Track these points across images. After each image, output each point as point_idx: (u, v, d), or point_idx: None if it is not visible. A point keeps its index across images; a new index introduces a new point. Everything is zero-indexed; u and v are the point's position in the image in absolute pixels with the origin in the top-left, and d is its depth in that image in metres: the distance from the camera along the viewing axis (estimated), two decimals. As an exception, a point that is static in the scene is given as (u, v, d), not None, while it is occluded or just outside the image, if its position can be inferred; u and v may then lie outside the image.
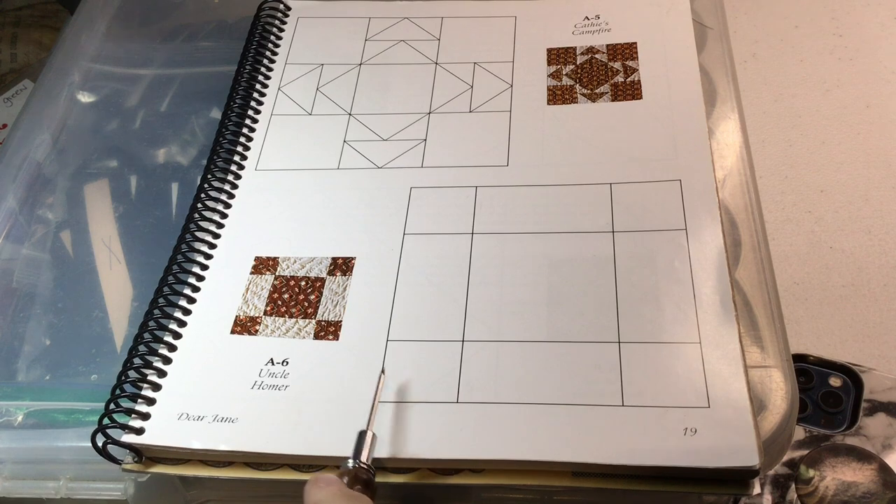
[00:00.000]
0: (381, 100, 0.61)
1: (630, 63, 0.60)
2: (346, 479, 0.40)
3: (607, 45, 0.62)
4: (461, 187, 0.55)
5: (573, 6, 0.65)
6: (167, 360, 0.49)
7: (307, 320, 0.50)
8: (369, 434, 0.43)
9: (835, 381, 0.60)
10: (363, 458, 0.42)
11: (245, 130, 0.60)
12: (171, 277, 0.52)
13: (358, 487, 0.40)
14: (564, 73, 0.61)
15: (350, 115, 0.61)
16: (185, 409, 0.47)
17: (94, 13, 0.74)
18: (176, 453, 0.45)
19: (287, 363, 0.48)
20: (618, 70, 0.60)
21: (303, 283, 0.52)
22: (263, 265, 0.53)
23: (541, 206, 0.53)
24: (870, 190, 0.73)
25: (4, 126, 0.87)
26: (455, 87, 0.61)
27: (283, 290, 0.52)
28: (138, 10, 0.75)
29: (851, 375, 0.60)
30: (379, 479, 0.44)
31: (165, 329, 0.50)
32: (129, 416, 0.46)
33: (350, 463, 0.41)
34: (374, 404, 0.44)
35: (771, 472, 0.55)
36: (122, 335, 0.54)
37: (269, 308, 0.51)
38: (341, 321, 0.50)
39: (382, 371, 0.46)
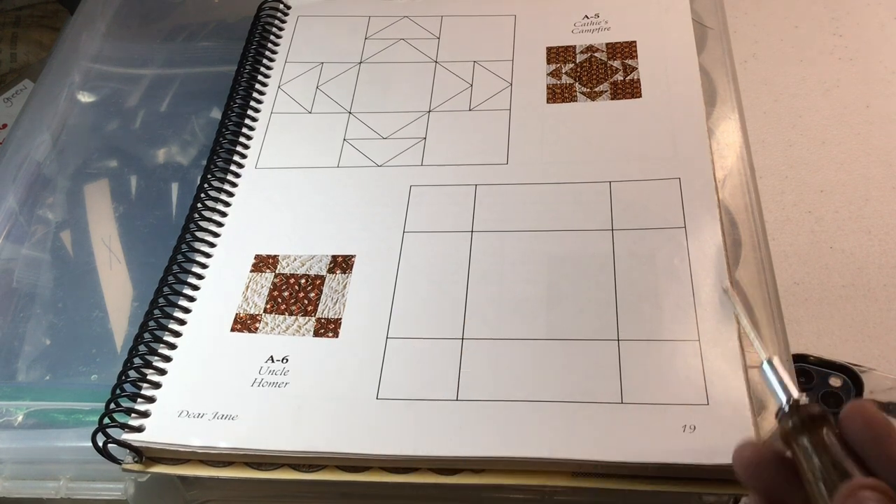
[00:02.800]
0: (381, 98, 0.61)
1: (629, 62, 0.60)
2: (791, 423, 0.32)
3: (607, 44, 0.62)
4: (461, 185, 0.55)
5: (573, 5, 0.65)
6: (167, 359, 0.49)
7: (307, 318, 0.50)
8: (777, 362, 0.36)
9: (835, 381, 0.60)
10: (795, 394, 0.34)
11: (245, 129, 0.60)
12: (171, 276, 0.52)
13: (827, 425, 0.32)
14: (564, 71, 0.61)
15: (350, 113, 0.61)
16: (185, 406, 0.47)
17: (94, 13, 0.74)
18: (176, 451, 0.45)
19: (287, 360, 0.48)
20: (617, 69, 0.60)
21: (303, 280, 0.52)
22: (263, 263, 0.53)
23: (540, 204, 0.53)
24: (870, 190, 0.73)
25: (4, 126, 0.87)
26: (455, 85, 0.61)
27: (283, 287, 0.52)
28: (138, 10, 0.75)
29: (851, 375, 0.60)
30: (377, 478, 0.44)
31: (165, 328, 0.50)
32: (130, 415, 0.46)
33: (786, 406, 0.34)
34: (752, 330, 0.39)
35: (771, 472, 0.55)
36: (122, 335, 0.54)
37: (269, 306, 0.51)
38: (341, 319, 0.50)
39: (726, 289, 0.44)
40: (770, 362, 0.36)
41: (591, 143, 0.56)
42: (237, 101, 0.62)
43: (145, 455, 0.46)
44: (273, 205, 0.56)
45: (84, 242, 0.60)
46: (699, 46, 0.60)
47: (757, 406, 0.44)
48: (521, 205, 0.53)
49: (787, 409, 0.34)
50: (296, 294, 0.51)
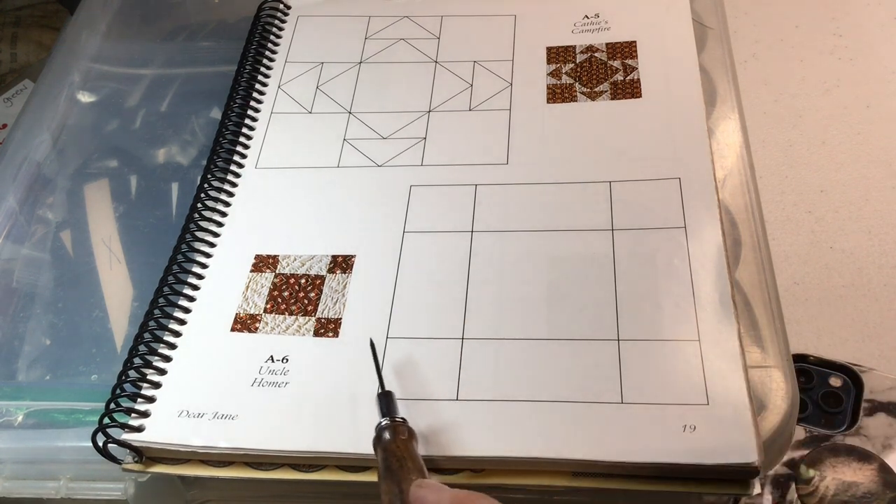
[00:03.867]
0: (381, 98, 0.61)
1: (629, 61, 0.60)
2: (389, 434, 0.42)
3: (607, 44, 0.62)
4: (461, 185, 0.55)
5: (573, 5, 0.65)
6: (167, 359, 0.49)
7: (307, 318, 0.50)
8: (391, 393, 0.44)
9: (835, 381, 0.60)
10: (397, 412, 0.44)
11: (245, 129, 0.60)
12: (171, 276, 0.52)
13: (405, 435, 0.42)
14: (564, 71, 0.61)
15: (350, 113, 0.61)
16: (186, 406, 0.47)
17: (94, 13, 0.74)
18: (176, 451, 0.45)
19: (287, 360, 0.48)
20: (617, 68, 0.60)
21: (303, 280, 0.52)
22: (263, 263, 0.53)
23: (540, 204, 0.53)
24: (870, 190, 0.73)
25: (4, 126, 0.87)
26: (455, 85, 0.61)
27: (283, 287, 0.52)
28: (138, 10, 0.75)
29: (851, 375, 0.60)
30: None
31: (165, 328, 0.50)
32: (130, 415, 0.46)
33: (384, 421, 0.43)
34: (380, 369, 0.46)
35: (771, 472, 0.55)
36: (122, 335, 0.54)
37: (269, 306, 0.51)
38: (341, 318, 0.50)
39: (371, 343, 0.47)
40: (383, 392, 0.44)
41: (591, 143, 0.56)
42: (237, 101, 0.62)
43: (145, 455, 0.46)
44: (273, 205, 0.56)
45: (84, 242, 0.60)
46: (699, 46, 0.60)
47: (758, 408, 0.44)
48: (522, 205, 0.53)
49: (383, 422, 0.42)
50: (296, 294, 0.51)
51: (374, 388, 0.46)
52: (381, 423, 0.42)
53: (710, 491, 0.42)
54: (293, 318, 0.50)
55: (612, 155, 0.55)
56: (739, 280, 0.49)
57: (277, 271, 0.53)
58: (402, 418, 0.43)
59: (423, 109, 0.60)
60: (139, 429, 0.46)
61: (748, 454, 0.41)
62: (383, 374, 0.46)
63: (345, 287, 0.51)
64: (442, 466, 0.44)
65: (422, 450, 0.43)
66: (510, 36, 0.64)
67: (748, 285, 0.49)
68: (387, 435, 0.42)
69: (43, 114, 0.67)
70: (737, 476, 0.41)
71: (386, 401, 0.44)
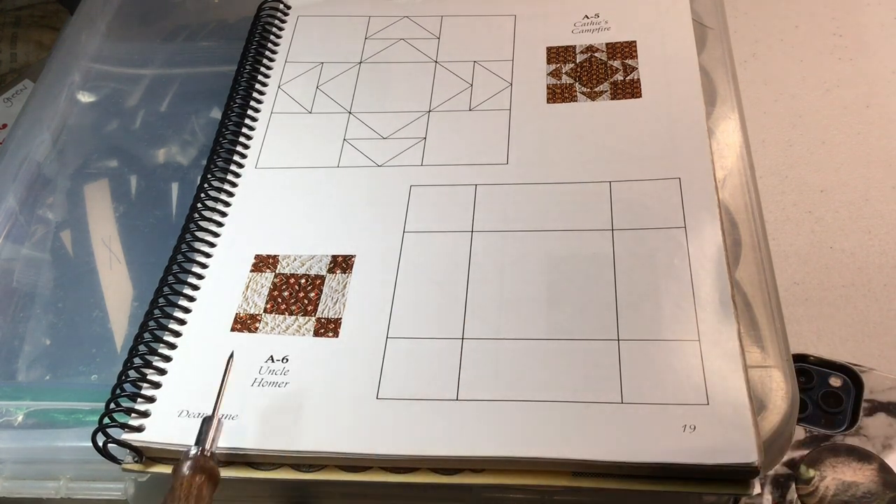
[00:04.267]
0: (381, 98, 0.61)
1: (629, 62, 0.60)
2: (187, 467, 0.40)
3: (607, 44, 0.62)
4: (461, 185, 0.55)
5: (573, 5, 0.65)
6: (167, 359, 0.49)
7: (307, 318, 0.50)
8: (215, 420, 0.43)
9: (835, 381, 0.60)
10: (207, 444, 0.42)
11: (245, 129, 0.60)
12: (171, 276, 0.52)
13: (201, 477, 0.40)
14: (564, 71, 0.61)
15: (350, 113, 0.61)
16: (185, 406, 0.47)
17: (94, 13, 0.74)
18: (176, 451, 0.45)
19: (287, 360, 0.48)
20: (617, 68, 0.60)
21: (303, 280, 0.52)
22: (263, 263, 0.53)
23: (540, 204, 0.53)
24: (870, 190, 0.73)
25: (4, 126, 0.87)
26: (455, 85, 0.61)
27: (283, 287, 0.52)
28: (138, 10, 0.75)
29: (851, 375, 0.60)
30: (380, 478, 0.44)
31: (165, 328, 0.50)
32: (130, 415, 0.46)
33: (193, 450, 0.42)
34: (221, 389, 0.45)
35: (771, 472, 0.55)
36: (122, 335, 0.54)
37: (269, 306, 0.51)
38: (341, 319, 0.50)
39: (231, 356, 0.47)
40: (210, 417, 0.44)
41: (591, 143, 0.56)
42: (237, 101, 0.62)
43: (145, 455, 0.46)
44: (273, 205, 0.56)
45: (84, 242, 0.60)
46: (699, 46, 0.60)
47: (758, 408, 0.44)
48: (522, 205, 0.53)
49: (191, 451, 0.42)
50: (296, 294, 0.51)
51: (374, 388, 0.46)
52: (188, 450, 0.41)
53: (710, 491, 0.42)
54: (293, 318, 0.50)
55: (612, 155, 0.55)
56: (739, 280, 0.49)
57: (277, 271, 0.53)
58: (211, 453, 0.42)
59: (423, 109, 0.60)
60: (139, 429, 0.46)
61: (748, 454, 0.41)
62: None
63: (345, 287, 0.51)
64: (442, 466, 0.44)
65: (422, 450, 0.43)
66: (510, 36, 0.64)
67: (748, 285, 0.49)
68: (185, 468, 0.40)
69: (43, 114, 0.67)
70: (737, 476, 0.41)
71: (204, 428, 0.43)
